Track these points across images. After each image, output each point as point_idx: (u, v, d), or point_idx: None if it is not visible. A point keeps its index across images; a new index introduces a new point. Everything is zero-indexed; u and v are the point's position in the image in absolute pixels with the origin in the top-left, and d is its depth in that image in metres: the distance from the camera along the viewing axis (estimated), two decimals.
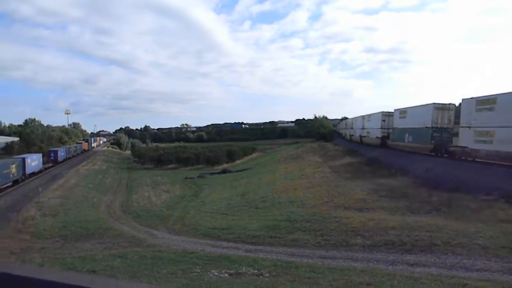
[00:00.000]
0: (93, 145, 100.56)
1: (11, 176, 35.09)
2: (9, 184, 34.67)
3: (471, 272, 9.99)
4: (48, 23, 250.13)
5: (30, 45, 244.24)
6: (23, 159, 39.45)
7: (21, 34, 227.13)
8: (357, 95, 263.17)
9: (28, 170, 40.39)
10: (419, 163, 28.30)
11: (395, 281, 9.22)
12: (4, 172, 33.11)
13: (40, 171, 46.17)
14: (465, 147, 25.42)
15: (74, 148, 73.63)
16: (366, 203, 20.02)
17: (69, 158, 65.47)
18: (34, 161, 43.50)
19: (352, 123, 65.19)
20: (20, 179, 37.52)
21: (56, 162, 56.37)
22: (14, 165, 35.78)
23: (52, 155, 56.57)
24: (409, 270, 10.51)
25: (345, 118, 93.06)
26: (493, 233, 12.57)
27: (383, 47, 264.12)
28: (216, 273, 10.64)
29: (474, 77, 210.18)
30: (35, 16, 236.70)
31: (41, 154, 49.64)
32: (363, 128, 53.47)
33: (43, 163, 48.94)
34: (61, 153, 60.12)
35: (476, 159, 24.41)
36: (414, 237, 13.36)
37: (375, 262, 11.86)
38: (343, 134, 77.49)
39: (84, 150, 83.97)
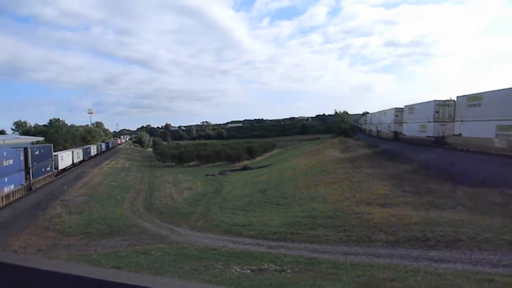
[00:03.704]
0: (122, 141, 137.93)
1: (99, 150, 77.15)
2: (99, 153, 76.19)
3: (497, 268, 9.78)
4: (71, 25, 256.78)
5: (55, 47, 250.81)
6: (101, 144, 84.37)
7: (45, 36, 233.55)
8: (378, 89, 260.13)
9: (103, 149, 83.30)
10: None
11: (419, 277, 9.10)
12: (99, 148, 77.56)
13: (105, 151, 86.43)
14: None
15: (114, 141, 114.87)
16: (388, 199, 19.76)
17: (114, 147, 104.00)
18: (104, 145, 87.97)
19: (380, 117, 57.93)
20: (101, 153, 78.63)
21: (108, 148, 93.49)
22: (100, 146, 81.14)
23: (106, 144, 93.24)
24: (434, 266, 10.35)
25: (366, 113, 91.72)
26: None
27: (404, 41, 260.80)
28: (238, 270, 10.69)
29: (500, 68, 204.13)
30: (58, 19, 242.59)
31: (105, 142, 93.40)
32: (397, 123, 46.39)
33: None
34: (110, 144, 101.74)
35: None
36: (438, 232, 13.13)
37: (398, 258, 11.72)
38: (366, 130, 74.24)
39: (118, 144, 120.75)
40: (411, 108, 41.51)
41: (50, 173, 38.55)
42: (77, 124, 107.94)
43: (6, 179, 26.18)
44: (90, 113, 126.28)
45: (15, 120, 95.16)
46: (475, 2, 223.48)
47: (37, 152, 33.88)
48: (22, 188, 29.98)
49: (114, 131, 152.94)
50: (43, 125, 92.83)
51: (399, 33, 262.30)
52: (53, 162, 40.26)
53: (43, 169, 35.96)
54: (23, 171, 30.22)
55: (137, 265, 11.58)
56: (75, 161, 51.96)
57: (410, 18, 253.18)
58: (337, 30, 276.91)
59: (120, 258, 13.20)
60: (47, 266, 1.52)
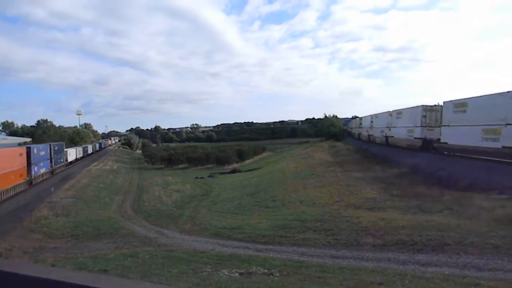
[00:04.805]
0: (113, 142, 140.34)
1: (94, 149, 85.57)
2: (94, 152, 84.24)
3: (483, 272, 9.88)
4: (61, 26, 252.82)
5: (44, 47, 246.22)
6: (95, 144, 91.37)
7: (35, 36, 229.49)
8: (367, 94, 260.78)
9: (97, 149, 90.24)
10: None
11: (406, 281, 9.16)
12: (94, 147, 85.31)
13: (99, 150, 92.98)
14: None
15: (104, 143, 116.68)
16: (376, 202, 19.90)
17: (104, 148, 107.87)
18: (98, 145, 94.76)
19: (388, 120, 45.53)
20: (96, 151, 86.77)
21: (101, 148, 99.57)
22: (95, 146, 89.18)
23: (99, 144, 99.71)
24: (421, 270, 10.42)
25: (355, 117, 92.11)
26: (506, 233, 12.41)
27: (393, 46, 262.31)
28: (226, 273, 10.67)
29: (487, 75, 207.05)
30: (48, 19, 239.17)
31: (98, 143, 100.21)
32: (426, 127, 34.41)
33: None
34: (103, 144, 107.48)
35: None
36: (425, 236, 13.24)
37: (386, 262, 11.79)
38: (361, 134, 66.24)
39: (109, 145, 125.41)
40: (460, 104, 28.08)
41: (63, 163, 51.87)
42: (66, 125, 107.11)
43: (41, 164, 39.33)
44: (79, 114, 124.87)
45: (2, 121, 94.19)
46: (464, 9, 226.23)
47: (56, 148, 46.92)
48: (49, 171, 42.81)
49: (103, 133, 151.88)
50: (31, 126, 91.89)
51: (388, 39, 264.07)
52: (64, 156, 53.66)
53: (59, 160, 49.18)
54: (49, 160, 43.07)
55: (125, 268, 11.47)
56: (77, 157, 64.31)
57: (399, 24, 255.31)
58: (327, 35, 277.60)
59: (107, 261, 13.07)
60: (25, 271, 1.50)
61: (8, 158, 29.82)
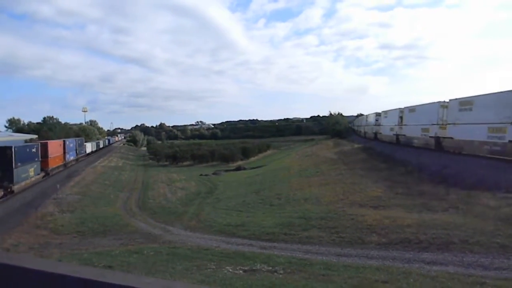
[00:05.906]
0: (119, 138, 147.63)
1: (104, 144, 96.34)
2: (104, 146, 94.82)
3: (489, 271, 9.82)
4: (67, 23, 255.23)
5: (50, 45, 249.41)
6: (105, 140, 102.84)
7: (42, 34, 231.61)
8: (373, 91, 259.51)
9: (106, 144, 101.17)
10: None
11: (411, 279, 9.13)
12: (104, 142, 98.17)
13: (108, 145, 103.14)
14: None
15: (112, 139, 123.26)
16: (381, 201, 19.80)
17: (112, 143, 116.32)
18: (107, 141, 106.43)
19: (438, 113, 30.87)
20: (105, 146, 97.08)
21: (109, 144, 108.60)
22: (104, 141, 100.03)
23: (108, 140, 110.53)
24: (426, 268, 10.37)
25: (360, 115, 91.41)
26: None
27: (398, 44, 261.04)
28: (230, 270, 10.67)
29: (493, 72, 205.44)
30: (55, 17, 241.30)
31: (107, 138, 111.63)
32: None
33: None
34: (110, 140, 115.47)
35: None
36: (431, 235, 13.16)
37: (390, 260, 11.74)
38: (368, 133, 60.29)
39: (116, 141, 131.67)
40: None
41: (83, 154, 63.54)
42: (71, 122, 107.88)
43: (71, 153, 51.42)
44: (85, 111, 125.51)
45: (9, 118, 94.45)
46: (469, 7, 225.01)
47: (79, 142, 60.07)
48: (75, 159, 54.83)
49: (108, 130, 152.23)
50: (37, 123, 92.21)
51: (393, 36, 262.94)
52: (84, 148, 65.33)
53: (81, 151, 61.15)
54: (75, 151, 55.28)
55: (129, 265, 11.51)
56: (92, 150, 75.96)
57: (405, 21, 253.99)
58: (332, 32, 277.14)
59: (112, 257, 13.12)
60: (32, 265, 1.51)
61: (56, 147, 43.84)
